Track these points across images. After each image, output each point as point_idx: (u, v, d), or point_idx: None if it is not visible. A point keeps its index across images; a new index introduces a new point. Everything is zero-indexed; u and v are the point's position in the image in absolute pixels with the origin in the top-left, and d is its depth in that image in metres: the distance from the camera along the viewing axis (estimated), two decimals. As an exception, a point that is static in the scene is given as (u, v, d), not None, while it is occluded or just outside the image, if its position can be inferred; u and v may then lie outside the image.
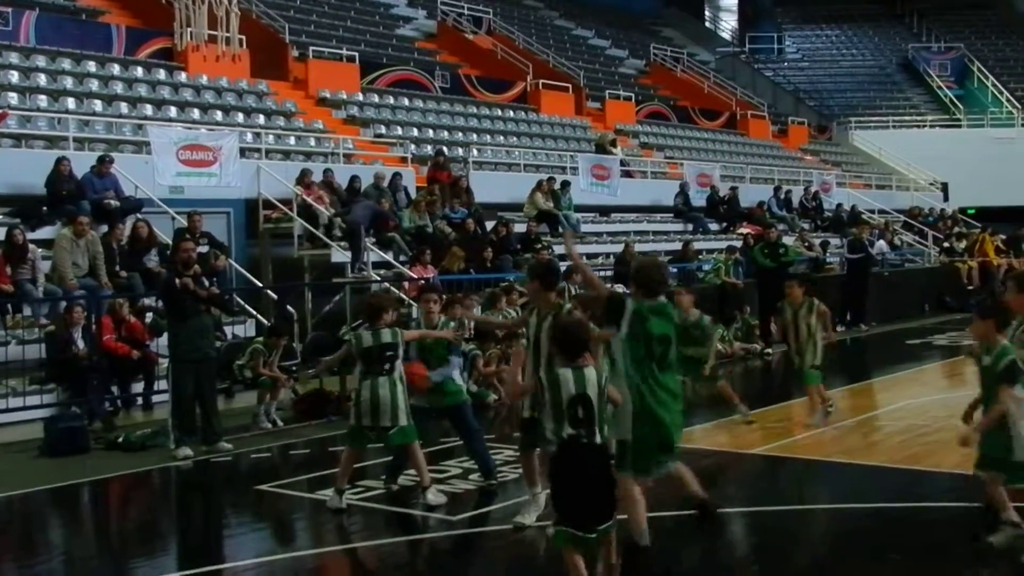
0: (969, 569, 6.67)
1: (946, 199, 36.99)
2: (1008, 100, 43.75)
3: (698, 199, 25.56)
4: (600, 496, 5.62)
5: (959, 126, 42.63)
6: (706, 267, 20.54)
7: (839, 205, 29.21)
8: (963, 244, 28.22)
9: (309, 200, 16.88)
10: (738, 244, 20.94)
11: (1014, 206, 35.05)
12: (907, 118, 43.50)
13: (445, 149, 22.84)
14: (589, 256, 21.06)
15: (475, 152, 23.54)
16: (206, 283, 10.72)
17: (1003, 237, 28.75)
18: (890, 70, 48.79)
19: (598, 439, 5.64)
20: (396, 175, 18.98)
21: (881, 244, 25.36)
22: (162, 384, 11.85)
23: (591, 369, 5.70)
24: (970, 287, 25.98)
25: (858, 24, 52.07)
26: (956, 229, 30.67)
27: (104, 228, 14.10)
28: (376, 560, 7.23)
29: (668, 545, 7.25)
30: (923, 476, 8.88)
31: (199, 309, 10.39)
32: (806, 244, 22.97)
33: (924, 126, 42.72)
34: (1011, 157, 37.94)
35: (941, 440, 10.16)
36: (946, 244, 28.50)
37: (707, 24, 53.83)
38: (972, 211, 35.47)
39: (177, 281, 10.28)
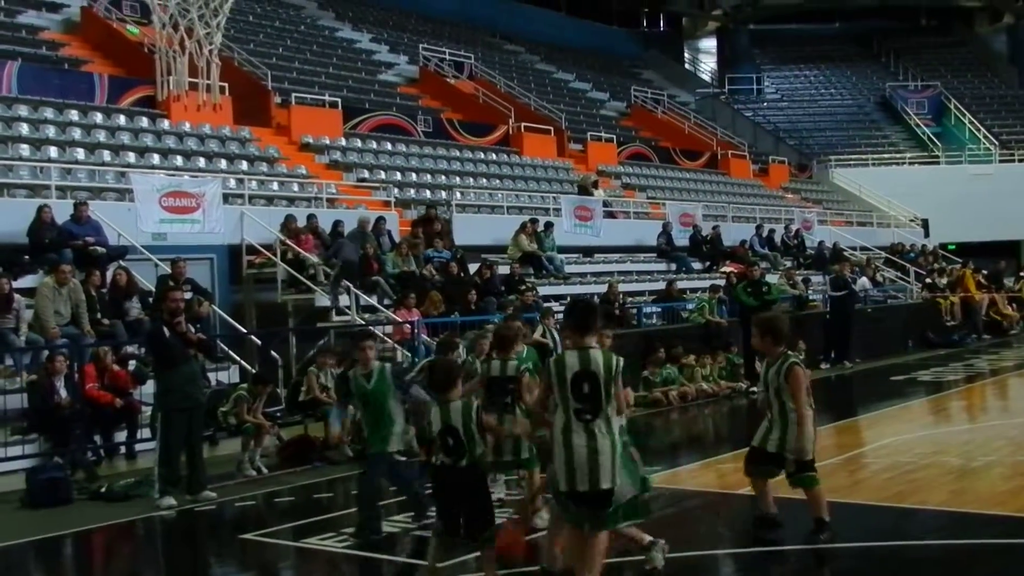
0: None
1: (927, 235, 37.27)
2: (985, 136, 44.28)
3: (681, 238, 25.67)
4: (470, 509, 6.57)
5: (938, 163, 43.08)
6: (690, 306, 20.59)
7: (821, 242, 29.37)
8: (945, 280, 28.38)
9: (297, 248, 16.90)
10: (721, 283, 21.02)
11: (994, 241, 35.42)
12: (886, 155, 43.96)
13: (428, 192, 22.93)
14: (573, 297, 21.08)
15: (458, 195, 23.63)
16: (192, 329, 10.72)
17: (985, 272, 28.96)
18: (868, 108, 49.35)
19: (464, 463, 6.52)
20: (380, 219, 19.01)
21: (863, 281, 25.50)
22: (145, 432, 11.79)
23: (456, 403, 6.59)
24: (952, 322, 26.14)
25: (836, 64, 52.74)
26: (937, 265, 30.87)
27: (84, 276, 14.05)
28: None
29: None
30: (909, 514, 8.87)
31: (188, 356, 10.37)
32: (790, 282, 23.08)
33: (903, 163, 43.17)
34: (990, 193, 38.37)
35: (927, 477, 10.18)
36: (928, 280, 28.66)
37: (687, 66, 54.44)
38: (953, 247, 35.74)
39: (165, 330, 10.29)
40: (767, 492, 8.09)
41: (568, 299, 20.50)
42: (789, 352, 7.87)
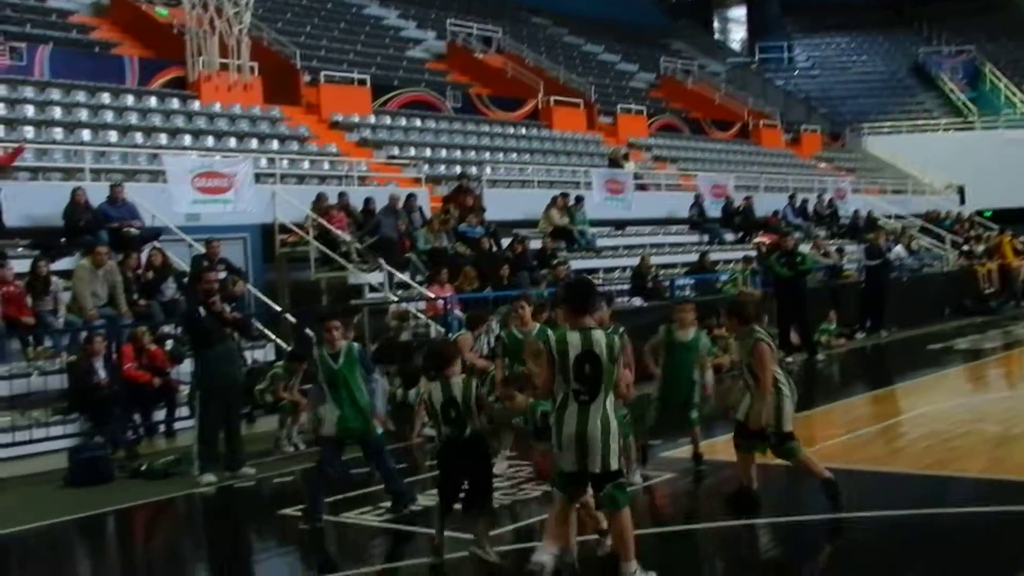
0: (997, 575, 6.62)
1: (962, 202, 36.81)
2: (1021, 101, 43.58)
3: (713, 210, 25.54)
4: (473, 479, 6.90)
5: (973, 128, 42.46)
6: (723, 278, 20.50)
7: (855, 211, 29.13)
8: (981, 247, 28.07)
9: (329, 225, 16.96)
10: (754, 254, 20.90)
11: (1030, 207, 34.92)
12: (920, 122, 43.37)
13: (458, 168, 22.90)
14: (606, 270, 21.09)
15: (488, 170, 23.59)
16: (227, 309, 10.81)
17: (1022, 239, 28.60)
18: (901, 75, 48.70)
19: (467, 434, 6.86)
20: (411, 196, 19.03)
21: (899, 249, 25.25)
22: (183, 411, 11.91)
23: (457, 379, 6.94)
24: (989, 290, 25.85)
25: (867, 30, 52.01)
26: (973, 232, 30.52)
27: (121, 257, 14.17)
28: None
29: (693, 556, 7.23)
30: (948, 482, 8.82)
31: (224, 335, 10.47)
32: (822, 252, 22.91)
33: (938, 130, 42.57)
34: (1025, 158, 37.77)
35: (965, 445, 10.12)
36: (964, 247, 28.35)
37: (716, 36, 53.90)
38: (989, 213, 35.31)
39: (201, 310, 10.42)
40: (748, 466, 8.23)
41: (598, 272, 20.64)
42: (756, 328, 8.02)
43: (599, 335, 6.16)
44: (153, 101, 21.24)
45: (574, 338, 6.14)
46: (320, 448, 8.79)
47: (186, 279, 14.16)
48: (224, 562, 8.28)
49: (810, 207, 28.31)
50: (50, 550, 8.71)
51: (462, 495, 6.97)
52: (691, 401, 9.60)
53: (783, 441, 7.94)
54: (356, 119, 24.28)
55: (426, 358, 7.66)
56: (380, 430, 9.01)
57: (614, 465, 6.14)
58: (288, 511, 8.87)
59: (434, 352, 7.56)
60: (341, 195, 18.24)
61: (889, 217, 30.31)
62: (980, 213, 34.90)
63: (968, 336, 20.09)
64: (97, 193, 15.19)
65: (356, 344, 8.92)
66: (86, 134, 18.73)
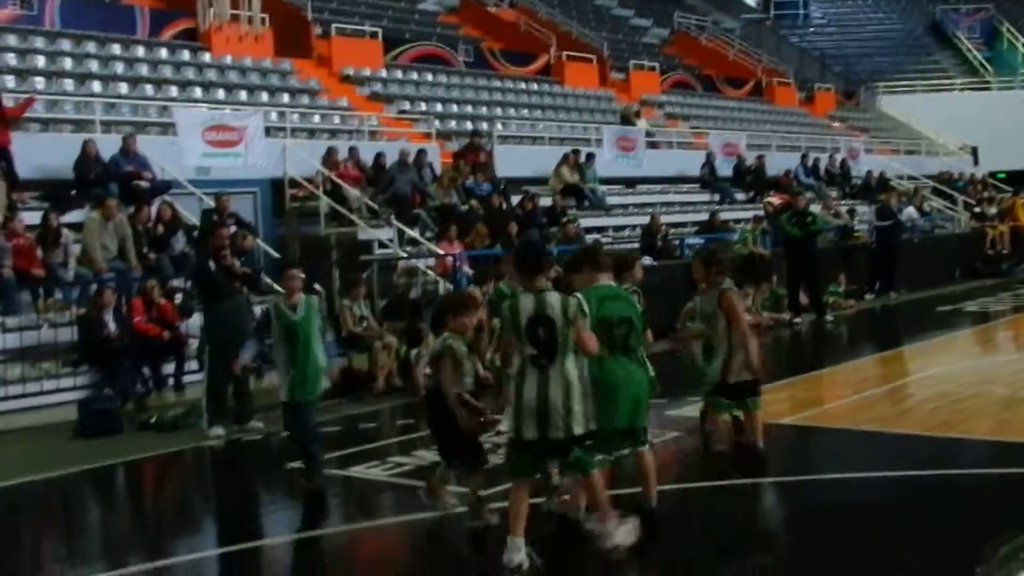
0: (1003, 535, 6.63)
1: (976, 163, 36.54)
2: (1039, 61, 43.16)
3: (724, 169, 25.41)
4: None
5: (989, 89, 42.08)
6: (733, 237, 20.43)
7: (868, 172, 28.94)
8: (994, 209, 27.88)
9: (339, 180, 16.92)
10: (762, 213, 20.83)
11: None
12: (935, 82, 42.96)
13: (469, 124, 22.81)
14: (615, 229, 21.04)
15: (499, 126, 23.48)
16: (237, 263, 10.84)
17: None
18: (917, 33, 48.17)
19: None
20: (421, 151, 18.95)
21: (910, 211, 25.11)
22: (192, 364, 11.96)
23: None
24: (1003, 251, 25.72)
25: (884, -13, 51.44)
26: (986, 194, 30.32)
27: (131, 210, 14.18)
28: (408, 536, 7.27)
29: (703, 514, 7.28)
30: (955, 443, 8.84)
31: (234, 289, 10.50)
32: (833, 212, 22.80)
33: (953, 89, 42.18)
34: (1042, 119, 37.44)
35: (973, 407, 10.13)
36: (977, 209, 28.17)
37: (732, -9, 53.30)
38: (1003, 175, 35.04)
39: (211, 264, 10.43)
40: (718, 427, 8.38)
41: (608, 231, 20.59)
42: (726, 279, 8.02)
43: (553, 297, 6.00)
44: (164, 53, 21.18)
45: (527, 301, 6.00)
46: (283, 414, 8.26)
47: (196, 233, 14.17)
48: (232, 514, 8.36)
49: (822, 167, 28.15)
50: (60, 501, 8.80)
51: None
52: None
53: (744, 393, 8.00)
54: (367, 73, 24.16)
55: (434, 313, 7.57)
56: (327, 384, 8.57)
57: (578, 430, 5.94)
58: (296, 464, 8.92)
59: (439, 307, 7.52)
60: (352, 150, 18.18)
61: (901, 178, 30.12)
62: (993, 175, 34.65)
63: (978, 298, 20.02)
64: (107, 145, 15.15)
65: (315, 296, 8.54)
66: (96, 85, 18.68)
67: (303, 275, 8.45)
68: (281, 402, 8.13)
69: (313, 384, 8.01)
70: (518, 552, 5.97)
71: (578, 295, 6.17)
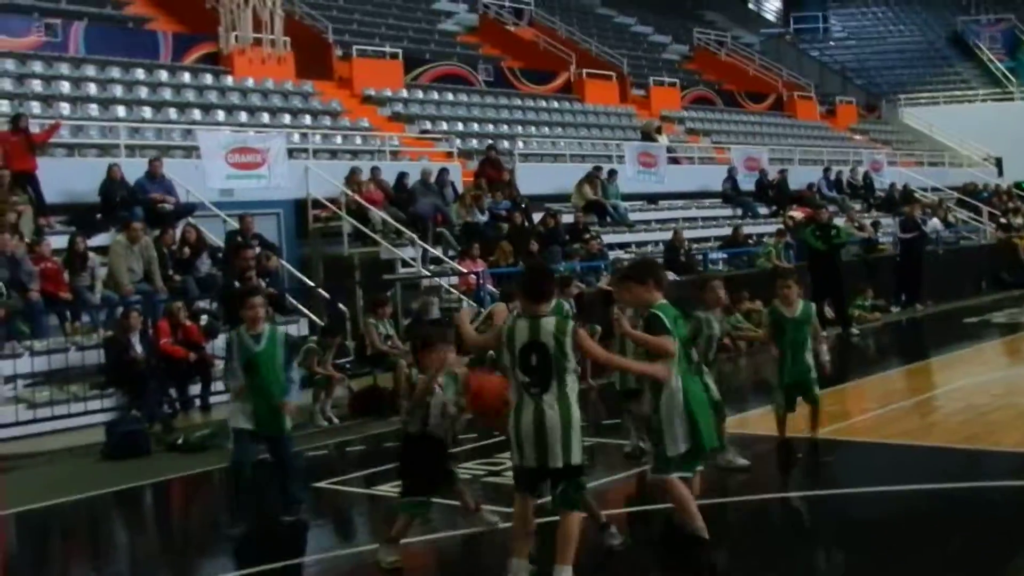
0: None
1: (1000, 174, 36.32)
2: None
3: (747, 183, 25.36)
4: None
5: (1012, 99, 41.84)
6: (757, 251, 20.38)
7: (891, 184, 28.82)
8: (1020, 219, 27.70)
9: (362, 200, 17.00)
10: (785, 227, 20.78)
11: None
12: (958, 93, 42.81)
13: (490, 143, 22.88)
14: (638, 244, 21.03)
15: (521, 144, 23.54)
16: (262, 284, 10.89)
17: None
18: (939, 44, 48.00)
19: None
20: (443, 170, 19.03)
21: (935, 222, 24.98)
22: (218, 385, 12.01)
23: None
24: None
25: (904, -1, 51.33)
26: (1012, 204, 30.11)
27: (157, 233, 14.30)
28: (434, 555, 7.26)
29: (729, 528, 7.23)
30: (983, 455, 8.75)
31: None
32: (857, 225, 22.71)
33: (976, 100, 42.00)
34: (1066, 129, 37.18)
35: (1001, 419, 10.03)
36: (1002, 220, 27.99)
37: (750, 6, 53.34)
38: (1028, 185, 34.83)
39: (236, 285, 10.48)
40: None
41: (631, 248, 20.57)
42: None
43: (548, 322, 5.73)
44: (187, 76, 21.37)
45: (522, 327, 5.77)
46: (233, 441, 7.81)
47: (221, 255, 14.26)
48: (259, 532, 8.37)
49: (845, 180, 28.05)
50: (89, 522, 8.84)
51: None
52: (810, 378, 9.19)
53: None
54: (388, 93, 24.30)
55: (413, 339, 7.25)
56: (289, 423, 7.85)
57: (576, 460, 5.74)
58: (322, 484, 8.95)
59: (418, 335, 7.23)
60: (374, 170, 18.27)
61: (925, 190, 29.96)
62: (1018, 185, 34.41)
63: (1005, 309, 19.85)
64: (132, 169, 15.32)
65: (281, 329, 7.99)
66: (121, 110, 18.88)
67: (265, 305, 7.93)
68: (233, 429, 7.67)
69: (265, 419, 7.55)
70: (522, 571, 5.88)
71: (657, 312, 6.16)
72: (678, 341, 6.25)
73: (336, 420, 11.84)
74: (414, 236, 16.39)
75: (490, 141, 22.76)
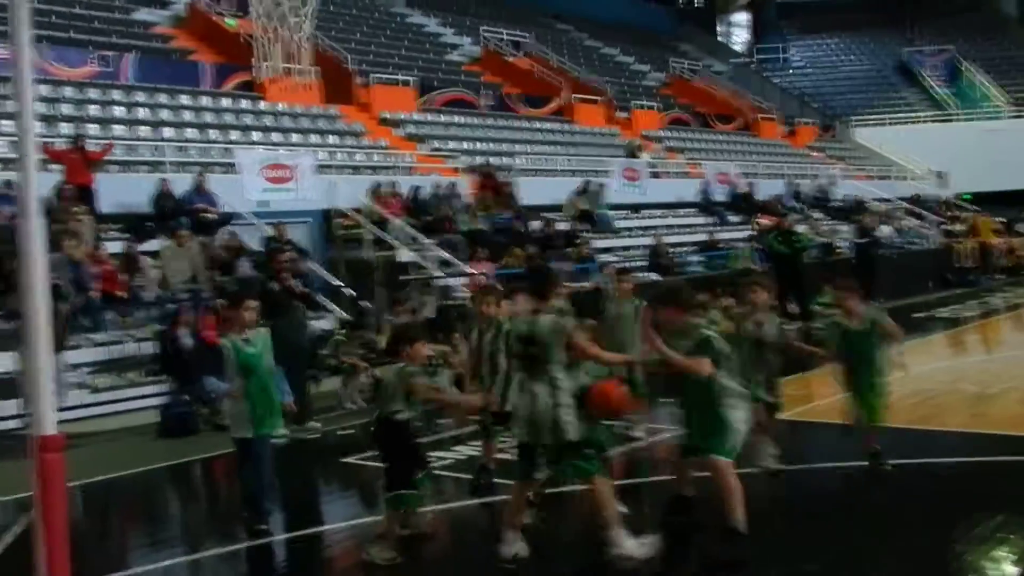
0: (977, 516, 6.63)
1: (944, 186, 36.38)
2: (996, 95, 42.95)
3: (719, 195, 25.41)
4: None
5: (951, 120, 41.90)
6: (727, 254, 20.43)
7: (846, 196, 28.87)
8: (960, 226, 27.79)
9: (382, 210, 17.04)
10: (754, 233, 20.82)
11: (1006, 190, 34.47)
12: (904, 115, 42.82)
13: (492, 159, 22.90)
14: (623, 249, 21.08)
15: (519, 161, 23.58)
16: (296, 284, 10.93)
17: (998, 219, 28.28)
18: (887, 72, 48.04)
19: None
20: (452, 184, 19.08)
21: (887, 229, 25.04)
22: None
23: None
24: (970, 264, 25.59)
25: (856, 31, 51.28)
26: (953, 213, 30.19)
27: (201, 239, 14.34)
28: (450, 522, 7.30)
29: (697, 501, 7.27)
30: (932, 435, 8.82)
31: (293, 306, 10.58)
32: (817, 231, 22.76)
33: (920, 122, 42.02)
34: (1001, 146, 37.20)
35: (947, 402, 10.10)
36: (946, 227, 28.05)
37: (720, 38, 53.36)
38: (968, 196, 34.85)
39: (273, 285, 10.51)
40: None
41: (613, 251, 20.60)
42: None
43: (546, 319, 5.74)
44: (226, 102, 21.38)
45: (520, 324, 5.81)
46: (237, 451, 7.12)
47: (259, 258, 14.30)
48: (294, 502, 8.42)
49: (805, 192, 28.10)
50: (146, 493, 8.89)
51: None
52: (874, 389, 7.69)
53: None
54: (403, 116, 24.31)
55: (388, 341, 6.95)
56: (283, 430, 7.42)
57: (571, 435, 5.69)
58: (350, 459, 8.99)
59: (396, 334, 6.88)
60: (393, 184, 18.30)
61: (877, 200, 30.01)
62: (960, 196, 34.49)
63: (949, 306, 19.93)
64: (179, 183, 15.37)
65: (265, 330, 7.35)
66: (168, 131, 18.89)
67: (257, 309, 7.30)
68: (237, 439, 6.98)
69: (276, 417, 7.05)
70: (514, 544, 5.87)
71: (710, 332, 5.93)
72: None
73: (362, 403, 11.87)
74: (428, 241, 16.42)
75: (479, 158, 22.69)
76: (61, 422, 4.41)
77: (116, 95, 19.72)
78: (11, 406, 10.33)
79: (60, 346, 10.54)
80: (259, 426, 6.84)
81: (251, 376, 6.87)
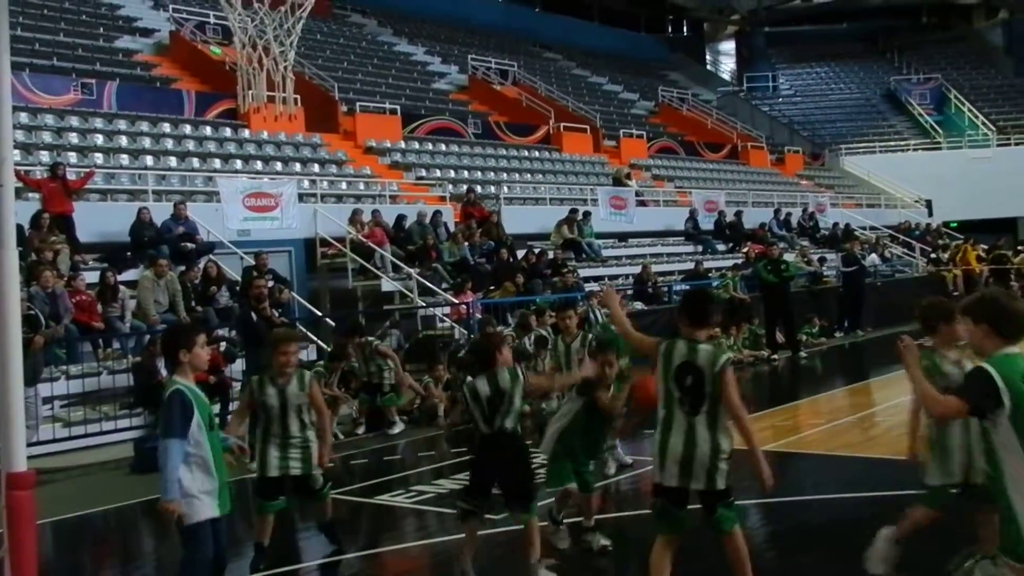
0: (962, 549, 6.56)
1: (930, 214, 36.61)
2: (983, 123, 43.35)
3: (706, 223, 25.48)
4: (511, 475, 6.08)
5: (939, 148, 42.26)
6: (715, 283, 20.42)
7: (834, 224, 28.99)
8: (947, 254, 27.90)
9: (365, 239, 17.01)
10: (741, 261, 20.84)
11: (992, 218, 34.72)
12: (892, 143, 43.19)
13: (479, 188, 22.96)
14: (611, 277, 21.08)
15: (506, 189, 23.61)
16: (275, 314, 10.86)
17: (984, 247, 28.40)
18: (875, 101, 48.52)
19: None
20: (437, 212, 19.08)
21: (873, 257, 25.14)
22: (236, 406, 11.91)
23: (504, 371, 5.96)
24: (955, 293, 25.65)
25: (844, 61, 51.85)
26: (940, 241, 30.33)
27: (181, 268, 14.27)
28: (431, 557, 7.21)
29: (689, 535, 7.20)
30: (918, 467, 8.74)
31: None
32: (805, 260, 22.82)
33: (907, 150, 42.40)
34: (988, 174, 37.60)
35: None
36: (932, 255, 28.17)
37: (708, 67, 53.87)
38: (954, 224, 35.09)
39: (252, 315, 10.43)
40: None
41: (605, 279, 20.61)
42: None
43: (705, 349, 5.17)
44: (208, 130, 21.36)
45: (680, 347, 5.20)
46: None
47: (239, 288, 14.22)
48: (274, 539, 8.29)
49: (793, 220, 28.22)
50: (119, 529, 8.75)
51: (501, 493, 6.12)
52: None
53: None
54: (388, 144, 24.35)
55: (469, 353, 7.14)
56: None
57: (720, 484, 5.28)
58: (334, 494, 8.86)
59: (477, 347, 6.74)
60: (375, 212, 18.29)
61: (864, 228, 30.15)
62: (946, 224, 34.68)
63: (936, 335, 19.91)
64: (159, 212, 15.30)
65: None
66: (149, 160, 18.86)
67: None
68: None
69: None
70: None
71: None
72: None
73: (341, 436, 11.76)
74: (411, 271, 16.38)
75: (465, 187, 22.70)
76: (33, 457, 4.34)
77: (97, 123, 19.69)
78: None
79: (34, 379, 10.43)
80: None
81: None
